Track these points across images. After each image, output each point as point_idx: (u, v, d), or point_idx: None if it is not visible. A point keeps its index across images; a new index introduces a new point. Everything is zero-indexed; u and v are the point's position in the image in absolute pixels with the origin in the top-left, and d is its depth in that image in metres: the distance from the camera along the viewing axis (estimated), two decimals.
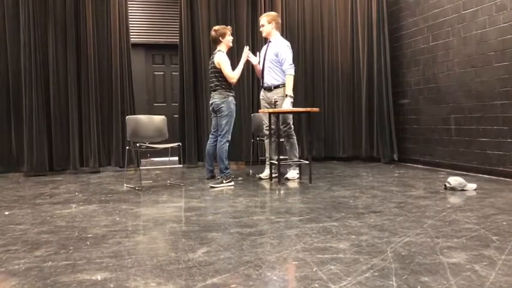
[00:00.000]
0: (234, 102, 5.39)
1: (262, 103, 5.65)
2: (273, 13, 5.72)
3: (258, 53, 5.78)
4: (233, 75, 5.31)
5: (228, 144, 5.31)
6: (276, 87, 5.47)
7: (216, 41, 5.45)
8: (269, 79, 5.50)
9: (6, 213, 3.82)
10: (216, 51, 5.44)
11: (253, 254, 2.54)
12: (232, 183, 5.15)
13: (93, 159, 6.59)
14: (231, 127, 5.35)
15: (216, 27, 5.51)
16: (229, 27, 5.56)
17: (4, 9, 6.28)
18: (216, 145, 5.40)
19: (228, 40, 5.43)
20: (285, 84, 5.40)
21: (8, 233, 3.14)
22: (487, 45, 5.48)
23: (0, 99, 6.29)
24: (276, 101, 5.34)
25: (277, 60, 5.43)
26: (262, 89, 5.65)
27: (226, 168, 5.21)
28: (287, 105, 5.28)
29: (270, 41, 5.57)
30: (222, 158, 5.24)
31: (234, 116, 5.38)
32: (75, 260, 2.50)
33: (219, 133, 5.35)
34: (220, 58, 5.32)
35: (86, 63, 6.59)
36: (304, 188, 4.89)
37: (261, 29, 5.60)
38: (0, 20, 6.28)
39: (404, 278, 2.14)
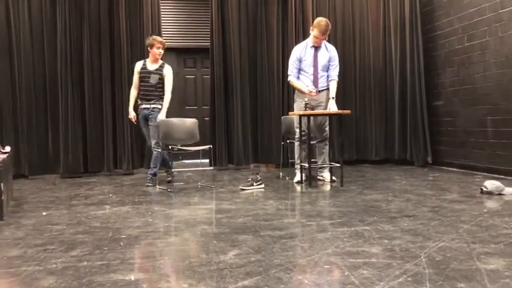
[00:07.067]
0: (141, 110, 5.61)
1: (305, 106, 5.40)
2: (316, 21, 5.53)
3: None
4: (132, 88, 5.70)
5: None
6: (326, 89, 5.54)
7: (147, 49, 5.65)
8: (323, 82, 5.50)
9: (44, 213, 3.94)
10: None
11: (284, 257, 2.53)
12: (263, 185, 5.13)
13: (126, 162, 6.73)
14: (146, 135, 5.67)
15: (151, 37, 5.70)
16: (161, 40, 5.60)
17: (42, 16, 6.50)
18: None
19: (155, 52, 5.56)
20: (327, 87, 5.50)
21: (46, 232, 3.24)
22: None
23: (38, 104, 6.50)
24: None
25: (327, 65, 5.48)
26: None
27: (154, 175, 5.56)
28: (335, 107, 5.34)
29: (317, 47, 5.47)
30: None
31: (142, 122, 5.63)
32: (110, 260, 2.56)
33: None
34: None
35: (119, 68, 6.73)
36: (335, 192, 4.84)
37: (322, 39, 5.43)
38: (38, 28, 6.50)
39: (439, 283, 2.09)
